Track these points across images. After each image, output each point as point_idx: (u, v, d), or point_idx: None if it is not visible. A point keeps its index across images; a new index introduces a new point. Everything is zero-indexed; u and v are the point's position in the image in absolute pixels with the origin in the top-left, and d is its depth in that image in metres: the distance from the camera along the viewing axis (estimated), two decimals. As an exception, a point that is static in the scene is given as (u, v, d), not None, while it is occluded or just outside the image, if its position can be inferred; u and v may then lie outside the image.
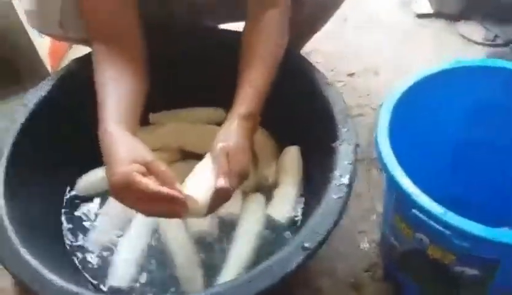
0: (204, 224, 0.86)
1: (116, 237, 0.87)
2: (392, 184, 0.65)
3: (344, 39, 1.42)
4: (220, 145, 0.72)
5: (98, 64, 0.79)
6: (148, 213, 0.69)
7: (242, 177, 0.73)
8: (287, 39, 0.87)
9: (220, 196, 0.70)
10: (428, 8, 1.47)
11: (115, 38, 0.81)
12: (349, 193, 0.72)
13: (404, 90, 0.75)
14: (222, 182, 0.68)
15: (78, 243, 0.89)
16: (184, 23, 1.03)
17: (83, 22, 0.83)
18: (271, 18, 0.84)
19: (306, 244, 0.66)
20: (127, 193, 0.64)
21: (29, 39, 1.25)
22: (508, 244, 0.56)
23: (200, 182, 0.71)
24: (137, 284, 0.82)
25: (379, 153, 0.67)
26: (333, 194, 0.72)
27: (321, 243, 0.67)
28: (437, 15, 1.46)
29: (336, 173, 0.74)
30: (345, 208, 0.71)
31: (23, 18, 1.20)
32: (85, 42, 0.91)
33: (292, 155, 0.94)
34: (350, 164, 0.76)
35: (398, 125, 0.71)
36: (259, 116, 0.80)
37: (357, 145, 0.79)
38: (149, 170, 0.66)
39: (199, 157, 0.93)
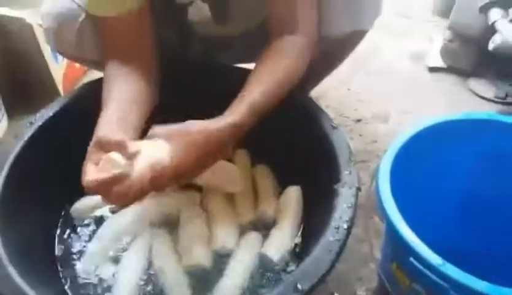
0: (198, 257, 0.84)
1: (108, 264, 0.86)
2: (390, 230, 0.63)
3: (354, 85, 1.43)
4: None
5: (107, 79, 0.81)
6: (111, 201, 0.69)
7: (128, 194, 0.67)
8: (305, 67, 0.84)
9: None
10: (440, 63, 1.48)
11: (128, 58, 0.83)
12: (347, 237, 0.70)
13: (410, 136, 0.75)
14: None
15: (70, 268, 0.87)
16: (199, 57, 1.05)
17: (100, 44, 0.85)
18: (290, 44, 0.82)
19: (299, 286, 0.64)
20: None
21: (45, 63, 1.28)
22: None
23: None
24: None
25: (379, 198, 0.66)
26: (331, 236, 0.70)
27: (314, 286, 0.65)
28: (449, 70, 1.47)
29: (336, 215, 0.73)
30: (342, 251, 0.69)
31: (41, 41, 1.23)
32: (100, 65, 0.92)
33: (293, 195, 0.93)
34: (351, 207, 0.74)
35: (401, 172, 0.70)
36: (247, 128, 0.75)
37: (358, 189, 0.77)
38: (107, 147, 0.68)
39: (198, 188, 0.95)
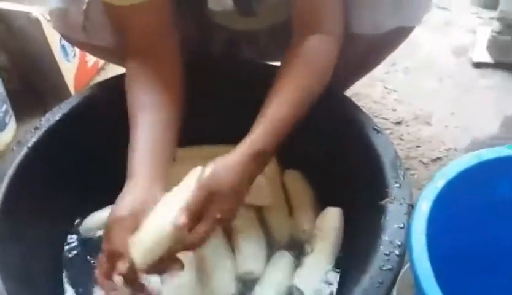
0: (220, 288, 0.73)
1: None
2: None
3: (391, 83, 1.31)
4: (207, 178, 0.64)
5: (132, 83, 0.77)
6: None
7: (215, 225, 0.64)
8: (330, 73, 0.76)
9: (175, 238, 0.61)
10: (487, 57, 1.35)
11: (152, 58, 0.78)
12: (400, 265, 0.59)
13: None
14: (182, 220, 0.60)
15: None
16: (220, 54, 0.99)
17: (110, 31, 0.81)
18: (314, 45, 0.75)
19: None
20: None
21: (54, 61, 1.21)
22: None
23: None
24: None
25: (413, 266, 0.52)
26: (380, 264, 0.59)
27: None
28: (498, 65, 1.34)
29: (385, 237, 0.62)
30: (394, 284, 0.58)
31: (50, 38, 1.16)
32: (110, 53, 0.90)
33: (332, 217, 0.81)
34: (402, 228, 0.62)
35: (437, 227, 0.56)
36: (270, 155, 0.71)
37: (411, 207, 0.65)
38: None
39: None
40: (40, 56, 1.19)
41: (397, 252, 0.60)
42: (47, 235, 0.82)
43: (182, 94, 0.79)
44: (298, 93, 0.72)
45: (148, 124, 0.73)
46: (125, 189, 0.66)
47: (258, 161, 0.68)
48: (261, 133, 0.69)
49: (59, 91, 1.25)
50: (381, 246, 0.61)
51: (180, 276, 0.65)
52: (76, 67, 1.27)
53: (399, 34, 0.86)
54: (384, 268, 0.58)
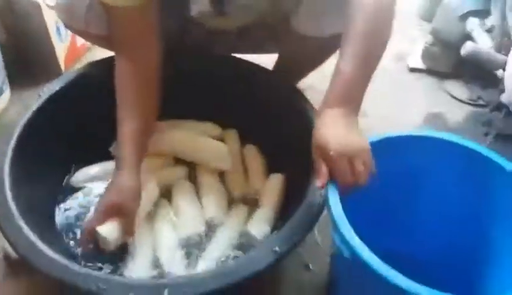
0: (194, 227, 0.94)
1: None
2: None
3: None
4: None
5: (119, 75, 0.91)
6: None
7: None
8: (392, 24, 0.81)
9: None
10: (420, 64, 1.57)
11: (136, 51, 0.91)
12: (320, 211, 0.80)
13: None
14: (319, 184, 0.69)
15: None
16: (198, 47, 1.13)
17: (107, 21, 0.92)
18: None
19: (277, 248, 0.73)
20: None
21: (50, 42, 1.35)
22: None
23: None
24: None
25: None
26: (306, 210, 0.80)
27: (290, 250, 0.74)
28: (428, 71, 1.56)
29: (311, 192, 0.82)
30: (315, 224, 0.79)
31: (48, 20, 1.30)
32: (104, 40, 0.99)
33: (277, 181, 1.02)
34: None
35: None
36: (354, 102, 0.76)
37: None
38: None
39: (189, 164, 1.04)
40: (38, 36, 1.33)
41: (319, 201, 0.80)
42: (48, 178, 1.00)
43: (159, 86, 0.94)
44: (362, 47, 0.75)
45: (133, 119, 0.89)
46: (118, 178, 0.85)
47: (342, 109, 0.73)
48: (336, 87, 0.74)
49: (50, 66, 1.39)
50: (308, 196, 0.81)
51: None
52: (67, 47, 1.42)
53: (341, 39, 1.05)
54: (308, 213, 0.79)
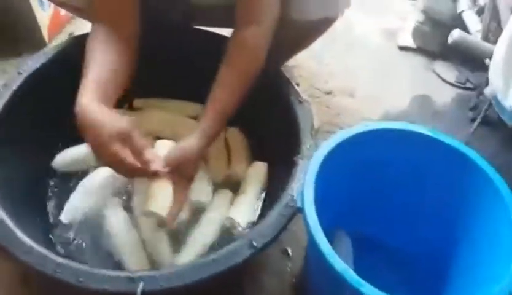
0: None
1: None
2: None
3: (326, 58, 1.50)
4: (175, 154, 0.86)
5: (92, 37, 0.87)
6: (118, 172, 0.80)
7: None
8: (264, 57, 0.92)
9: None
10: (410, 43, 1.56)
11: (114, 21, 0.87)
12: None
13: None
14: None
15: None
16: (178, 22, 1.11)
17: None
18: (253, 35, 0.90)
19: (254, 243, 0.74)
20: (105, 155, 0.75)
21: (31, 9, 1.31)
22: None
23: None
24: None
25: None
26: (286, 204, 0.79)
27: (267, 244, 0.75)
28: (418, 50, 1.55)
29: (292, 184, 0.82)
30: (293, 217, 0.79)
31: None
32: (84, 13, 0.99)
33: (259, 169, 1.02)
34: (306, 178, 0.84)
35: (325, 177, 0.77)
36: (220, 132, 0.92)
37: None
38: (126, 138, 0.77)
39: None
40: (19, 5, 1.30)
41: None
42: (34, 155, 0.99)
43: (135, 53, 0.90)
44: (237, 79, 0.89)
45: (102, 59, 0.83)
46: (85, 113, 0.75)
47: (211, 141, 0.89)
48: (210, 122, 0.88)
49: (33, 37, 1.37)
50: (289, 189, 0.82)
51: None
52: (50, 16, 1.38)
53: (324, 23, 1.04)
54: (287, 206, 0.79)
